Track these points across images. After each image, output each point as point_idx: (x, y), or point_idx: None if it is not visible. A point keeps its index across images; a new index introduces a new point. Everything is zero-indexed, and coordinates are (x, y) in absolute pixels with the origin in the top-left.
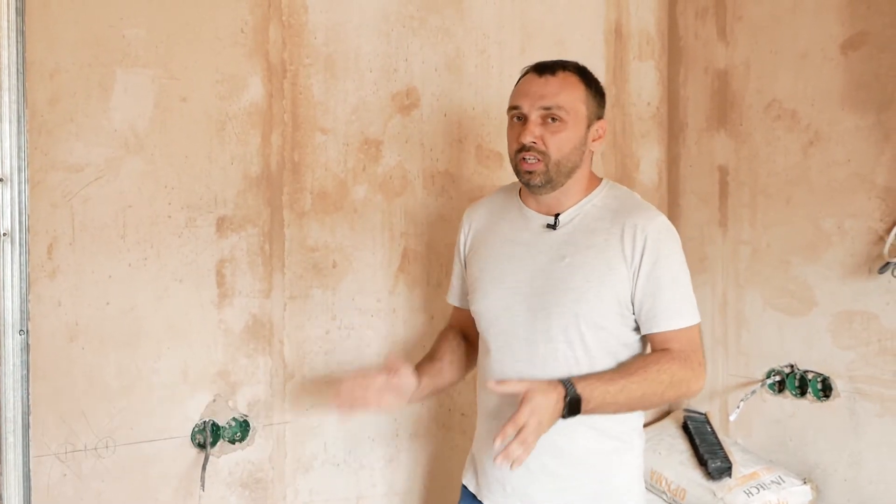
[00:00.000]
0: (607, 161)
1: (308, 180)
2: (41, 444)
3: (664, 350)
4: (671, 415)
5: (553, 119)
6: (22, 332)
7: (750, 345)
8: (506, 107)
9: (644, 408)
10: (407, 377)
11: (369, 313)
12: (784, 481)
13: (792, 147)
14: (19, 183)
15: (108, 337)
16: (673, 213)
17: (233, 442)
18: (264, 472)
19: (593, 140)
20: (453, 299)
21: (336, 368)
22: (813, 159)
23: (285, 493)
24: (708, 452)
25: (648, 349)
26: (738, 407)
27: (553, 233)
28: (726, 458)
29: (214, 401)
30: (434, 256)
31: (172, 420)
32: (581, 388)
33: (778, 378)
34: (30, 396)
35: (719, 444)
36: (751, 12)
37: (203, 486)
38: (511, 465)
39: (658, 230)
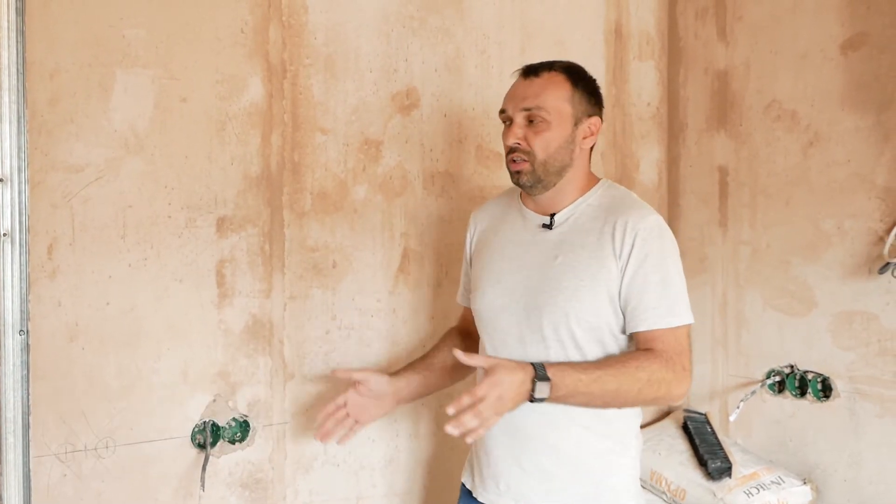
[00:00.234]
0: (607, 161)
1: (308, 180)
2: (41, 444)
3: (647, 349)
4: (671, 415)
5: (536, 120)
6: (22, 333)
7: (750, 345)
8: None
9: (620, 404)
10: (376, 381)
11: (369, 313)
12: (784, 482)
13: (792, 147)
14: (19, 183)
15: (108, 337)
16: (673, 214)
17: (233, 442)
18: (264, 472)
19: (584, 138)
20: (461, 299)
21: (336, 369)
22: (813, 160)
23: (285, 494)
24: (708, 453)
25: None
26: (738, 407)
27: (549, 232)
28: (726, 459)
29: (214, 401)
30: (434, 257)
31: (172, 420)
32: (552, 373)
33: (778, 378)
34: (30, 396)
35: (719, 444)
36: (751, 12)
37: (203, 486)
38: (466, 438)
39: (648, 228)
